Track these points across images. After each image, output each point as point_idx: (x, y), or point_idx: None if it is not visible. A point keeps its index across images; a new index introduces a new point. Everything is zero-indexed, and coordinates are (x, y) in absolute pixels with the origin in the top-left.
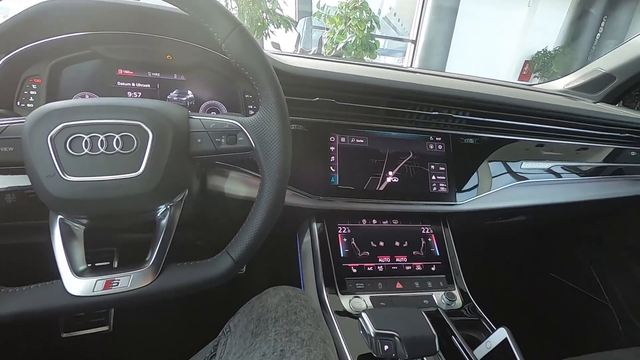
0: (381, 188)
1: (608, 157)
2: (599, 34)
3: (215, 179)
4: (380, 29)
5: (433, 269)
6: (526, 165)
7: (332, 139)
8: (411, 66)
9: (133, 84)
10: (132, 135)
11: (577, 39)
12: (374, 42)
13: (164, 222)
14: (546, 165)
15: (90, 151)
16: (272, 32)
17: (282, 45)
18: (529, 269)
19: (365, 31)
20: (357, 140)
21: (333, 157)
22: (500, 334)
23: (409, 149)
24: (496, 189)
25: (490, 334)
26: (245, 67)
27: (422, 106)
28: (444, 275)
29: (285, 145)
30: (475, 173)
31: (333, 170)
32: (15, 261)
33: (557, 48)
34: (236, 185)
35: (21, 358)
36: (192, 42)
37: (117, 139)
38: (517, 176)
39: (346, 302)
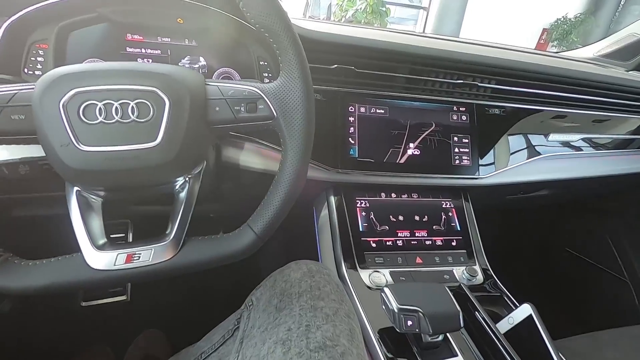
0: (402, 161)
1: (636, 129)
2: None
3: (230, 150)
4: None
5: (453, 244)
6: (552, 137)
7: (351, 109)
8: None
9: (143, 50)
10: (147, 102)
11: (599, 5)
12: (384, 9)
13: (182, 194)
14: (572, 137)
15: (104, 119)
16: None
17: (289, 12)
18: (547, 244)
19: None
20: (378, 111)
21: (352, 128)
22: (525, 310)
23: (431, 120)
24: (520, 163)
25: (512, 310)
26: (265, 28)
27: (445, 74)
28: (464, 251)
29: (309, 113)
30: (499, 145)
31: (352, 142)
32: (32, 234)
33: (577, 15)
34: (252, 157)
35: (40, 326)
36: (204, 3)
37: (132, 106)
38: (541, 149)
39: (365, 276)
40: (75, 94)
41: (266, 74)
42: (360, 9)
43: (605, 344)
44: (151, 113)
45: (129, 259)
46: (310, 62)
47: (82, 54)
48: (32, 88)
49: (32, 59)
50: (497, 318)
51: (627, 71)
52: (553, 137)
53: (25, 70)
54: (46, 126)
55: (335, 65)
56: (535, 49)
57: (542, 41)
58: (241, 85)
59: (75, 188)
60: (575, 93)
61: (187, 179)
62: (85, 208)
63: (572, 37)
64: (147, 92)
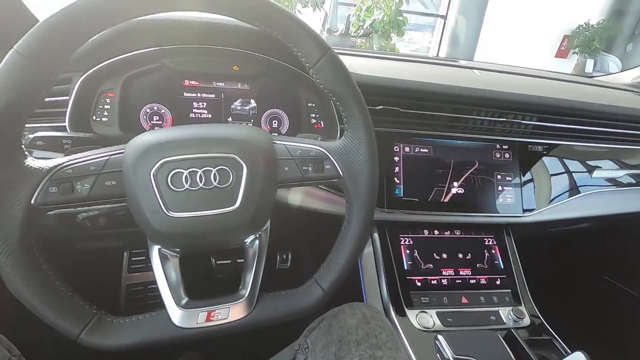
0: (446, 200)
1: None
2: None
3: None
4: (409, 4)
5: (498, 282)
6: (597, 174)
7: (396, 148)
8: (441, 41)
9: (198, 94)
10: (227, 169)
11: (622, 12)
12: (402, 18)
13: (253, 250)
14: (616, 174)
15: (190, 186)
16: (299, 11)
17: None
18: (591, 274)
19: (394, 7)
20: (422, 150)
21: (397, 168)
22: (577, 358)
23: (474, 158)
24: (563, 200)
25: (564, 356)
26: (334, 93)
27: (487, 112)
28: (509, 290)
29: (373, 173)
30: (543, 182)
31: (398, 181)
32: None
33: (600, 21)
34: (309, 198)
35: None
36: (258, 53)
37: (214, 173)
38: (584, 186)
39: (413, 317)
40: (164, 164)
41: (313, 115)
42: (378, 19)
43: None
44: (231, 178)
45: (209, 317)
46: None
47: (143, 100)
48: (122, 152)
49: (100, 107)
50: None
51: None
52: (597, 173)
53: (94, 117)
54: (138, 194)
55: (381, 107)
56: (573, 75)
57: (563, 48)
58: (308, 145)
59: (157, 246)
60: (618, 128)
61: (257, 235)
62: (167, 265)
63: (595, 43)
64: (227, 158)
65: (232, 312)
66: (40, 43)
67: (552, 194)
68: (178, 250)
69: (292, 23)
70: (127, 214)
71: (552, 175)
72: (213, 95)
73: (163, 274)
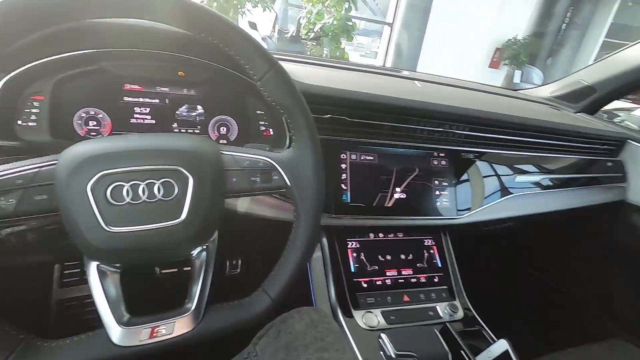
0: (389, 205)
1: (590, 168)
2: (564, 25)
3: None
4: (357, 10)
5: (436, 280)
6: (519, 178)
7: (343, 156)
8: (387, 49)
9: (141, 99)
10: (172, 181)
11: (544, 29)
12: (351, 24)
13: (200, 261)
14: (535, 178)
15: (131, 200)
16: (248, 10)
17: (259, 25)
18: (513, 271)
19: (343, 12)
20: (367, 158)
21: (344, 175)
22: (501, 346)
23: (415, 165)
24: (492, 202)
25: (491, 343)
26: (281, 106)
27: (426, 122)
28: (446, 287)
29: (320, 183)
30: (473, 186)
31: (345, 187)
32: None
33: (525, 37)
34: (257, 205)
35: None
36: (204, 59)
37: (159, 186)
38: (510, 189)
39: (359, 318)
40: (103, 177)
41: (262, 122)
42: (328, 23)
43: None
44: (176, 191)
45: (153, 333)
46: None
47: (78, 103)
48: (54, 164)
49: (27, 110)
50: (477, 351)
51: (576, 112)
52: (519, 178)
53: (19, 122)
54: (73, 208)
55: (329, 116)
56: (503, 88)
57: (495, 59)
58: (256, 155)
59: (95, 263)
60: (536, 138)
61: (204, 247)
62: (106, 282)
63: (521, 57)
64: (172, 171)
65: (178, 327)
66: None
67: (482, 197)
68: (118, 265)
69: (239, 37)
70: (58, 228)
71: (482, 180)
72: (157, 100)
73: (102, 291)
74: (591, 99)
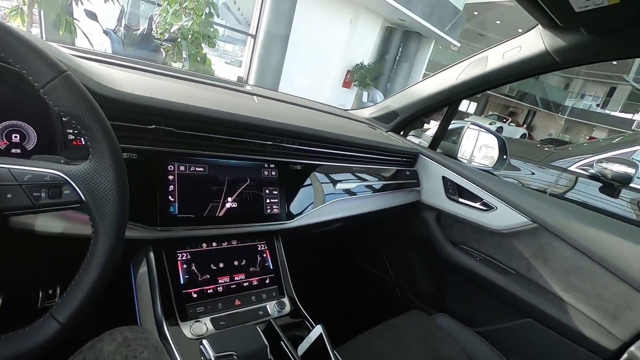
0: (221, 214)
1: (394, 176)
2: (398, 56)
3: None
4: (220, 17)
5: (267, 281)
6: (340, 186)
7: (170, 167)
8: (251, 60)
9: None
10: None
11: (384, 58)
12: (212, 30)
13: None
14: (353, 185)
15: None
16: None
17: (100, 17)
18: (343, 265)
19: (203, 16)
20: (197, 169)
21: (172, 187)
22: (317, 331)
23: (246, 176)
24: (318, 207)
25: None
26: (71, 116)
27: (257, 136)
28: (276, 286)
29: (122, 196)
30: (302, 194)
31: (172, 199)
32: None
33: (370, 63)
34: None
35: None
36: None
37: None
38: (333, 195)
39: (187, 329)
40: None
41: (70, 131)
42: (187, 25)
43: (375, 338)
44: None
45: None
46: (125, 121)
47: None
48: None
49: None
50: (300, 340)
51: (387, 131)
52: (340, 185)
53: None
54: None
55: (154, 126)
56: (335, 106)
57: (347, 79)
58: (41, 168)
59: None
60: (354, 152)
61: None
62: None
63: (367, 80)
64: None
65: None
66: None
67: (309, 203)
68: None
69: (14, 40)
70: None
71: (309, 188)
72: None
73: None
74: (396, 121)
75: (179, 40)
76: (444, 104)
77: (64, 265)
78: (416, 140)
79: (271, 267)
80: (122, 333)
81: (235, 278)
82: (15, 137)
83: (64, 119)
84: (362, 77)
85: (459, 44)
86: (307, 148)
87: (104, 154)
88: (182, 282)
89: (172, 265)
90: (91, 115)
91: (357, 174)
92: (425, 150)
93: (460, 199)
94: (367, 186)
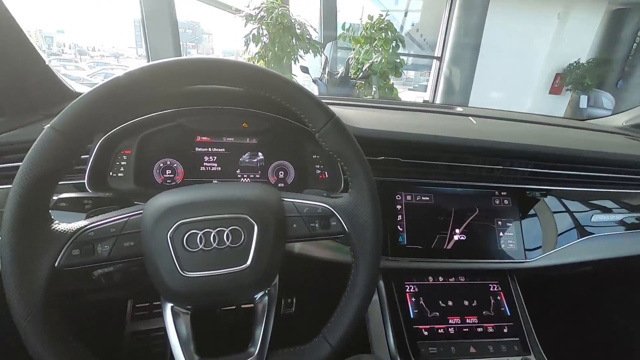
0: (449, 247)
1: None
2: (635, 44)
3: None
4: (405, 47)
5: (505, 330)
6: (597, 218)
7: (398, 197)
8: (437, 82)
9: (209, 149)
10: (239, 229)
11: (611, 51)
12: (399, 60)
13: (262, 305)
14: (617, 216)
15: (204, 247)
16: (301, 56)
17: (311, 69)
18: (593, 320)
19: (391, 50)
20: (423, 198)
21: (400, 216)
22: None
23: (474, 205)
24: (565, 245)
25: None
26: (339, 155)
27: (484, 160)
28: (517, 338)
29: (377, 229)
30: (543, 227)
31: (401, 229)
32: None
33: (590, 60)
34: (314, 247)
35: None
36: (266, 111)
37: (227, 233)
38: (586, 228)
39: None
40: (180, 225)
41: (318, 166)
42: (376, 61)
43: None
44: (242, 238)
45: None
46: None
47: (157, 155)
48: (140, 214)
49: (117, 163)
50: None
51: None
52: (597, 217)
53: (111, 173)
54: (155, 254)
55: (383, 157)
56: (568, 119)
57: (556, 85)
58: (315, 202)
59: (170, 304)
60: (611, 172)
61: (266, 291)
62: (179, 323)
63: (587, 81)
64: (239, 219)
65: None
66: (75, 120)
67: (554, 239)
68: (189, 307)
69: (299, 93)
70: (139, 269)
71: (552, 219)
72: (223, 149)
73: (175, 331)
74: None
75: (370, 76)
76: None
77: (302, 280)
78: None
79: (508, 314)
80: None
81: (467, 321)
82: (281, 174)
83: (337, 159)
84: (579, 79)
85: None
86: (546, 171)
87: (363, 189)
88: (412, 316)
89: (401, 297)
90: (356, 154)
91: (622, 201)
92: None
93: None
94: (637, 219)
